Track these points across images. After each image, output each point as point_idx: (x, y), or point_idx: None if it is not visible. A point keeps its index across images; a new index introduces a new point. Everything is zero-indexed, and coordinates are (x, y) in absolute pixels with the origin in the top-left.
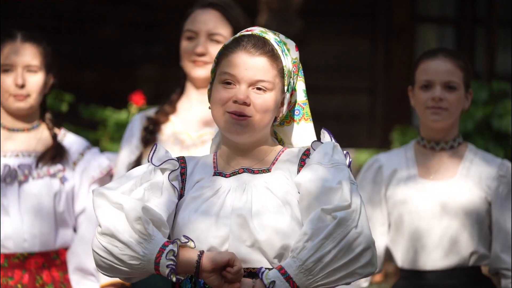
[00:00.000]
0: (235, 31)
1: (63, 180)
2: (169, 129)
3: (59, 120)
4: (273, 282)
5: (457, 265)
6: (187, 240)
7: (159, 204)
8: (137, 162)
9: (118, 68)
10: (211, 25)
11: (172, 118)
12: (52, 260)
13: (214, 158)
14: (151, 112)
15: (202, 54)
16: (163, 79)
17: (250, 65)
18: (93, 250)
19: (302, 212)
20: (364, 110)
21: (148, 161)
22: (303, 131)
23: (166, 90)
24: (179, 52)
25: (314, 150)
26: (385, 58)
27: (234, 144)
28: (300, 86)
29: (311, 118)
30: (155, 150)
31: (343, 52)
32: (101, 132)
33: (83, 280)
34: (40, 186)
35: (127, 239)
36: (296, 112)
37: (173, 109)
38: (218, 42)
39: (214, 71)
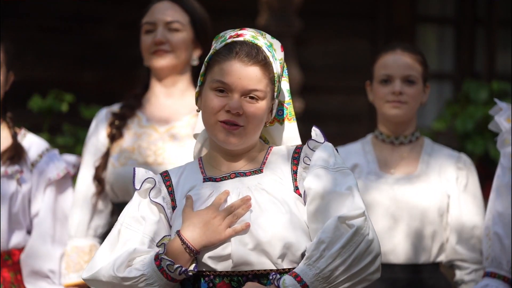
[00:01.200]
0: (192, 19)
1: (20, 181)
2: (136, 124)
3: (59, 120)
4: None
5: (421, 259)
6: (166, 236)
7: (140, 233)
8: (104, 159)
9: (118, 68)
10: (168, 15)
11: (138, 113)
12: (4, 260)
13: (200, 164)
14: (116, 107)
15: (161, 43)
16: None
17: (244, 74)
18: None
19: (310, 215)
20: (364, 110)
21: (133, 187)
22: (286, 131)
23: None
24: (142, 51)
25: (311, 149)
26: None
27: (223, 149)
28: (284, 86)
29: (294, 118)
30: (134, 174)
31: (343, 52)
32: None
33: (38, 282)
34: None
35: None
36: (279, 113)
37: (138, 104)
38: (176, 30)
39: (204, 75)
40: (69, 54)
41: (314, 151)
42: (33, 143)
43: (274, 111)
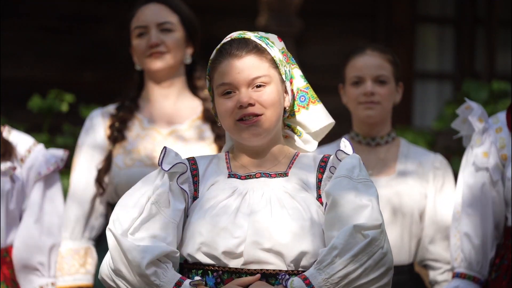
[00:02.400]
0: (181, 18)
1: (14, 178)
2: (137, 126)
3: (59, 120)
4: None
5: (402, 261)
6: (200, 279)
7: (167, 216)
8: (107, 161)
9: (118, 68)
10: (159, 16)
11: (138, 115)
12: (2, 257)
13: (226, 159)
14: (111, 108)
15: (156, 45)
16: None
17: (241, 67)
18: (101, 277)
19: (327, 222)
20: None
21: (158, 165)
22: (315, 114)
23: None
24: (132, 55)
25: (339, 159)
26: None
27: (249, 148)
28: (297, 72)
29: (318, 99)
30: (164, 153)
31: (343, 52)
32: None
33: (28, 276)
34: None
35: (136, 285)
36: (301, 99)
37: (136, 106)
38: (169, 30)
39: (210, 89)
40: (69, 54)
41: (341, 161)
42: (19, 139)
43: (290, 94)
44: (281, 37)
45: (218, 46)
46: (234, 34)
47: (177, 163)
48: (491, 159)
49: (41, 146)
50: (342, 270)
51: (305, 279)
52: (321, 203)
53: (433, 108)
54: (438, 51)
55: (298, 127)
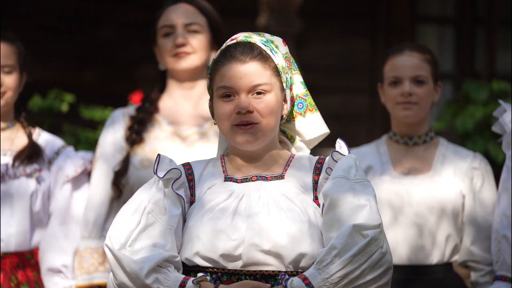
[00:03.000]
0: (208, 21)
1: (39, 179)
2: (157, 127)
3: (59, 120)
4: None
5: (435, 260)
6: (203, 274)
7: (164, 224)
8: (124, 164)
9: (118, 68)
10: (186, 17)
11: (157, 116)
12: (27, 260)
13: (222, 162)
14: (131, 109)
15: (182, 45)
16: None
17: (244, 72)
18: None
19: (325, 224)
20: (364, 110)
21: (154, 173)
22: (311, 122)
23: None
24: (156, 54)
25: (335, 160)
26: (385, 58)
27: (243, 152)
28: (297, 78)
29: (315, 108)
30: (158, 161)
31: (343, 52)
32: (101, 132)
33: (53, 278)
34: (16, 186)
35: None
36: (299, 106)
37: (156, 108)
38: (196, 32)
39: (210, 88)
40: (69, 54)
41: (337, 162)
42: (48, 141)
43: (289, 103)
44: (281, 37)
45: (223, 47)
46: (240, 37)
47: (171, 169)
48: None
49: (70, 149)
50: (341, 270)
51: (304, 279)
52: (318, 205)
53: (433, 108)
54: (438, 51)
55: (293, 134)
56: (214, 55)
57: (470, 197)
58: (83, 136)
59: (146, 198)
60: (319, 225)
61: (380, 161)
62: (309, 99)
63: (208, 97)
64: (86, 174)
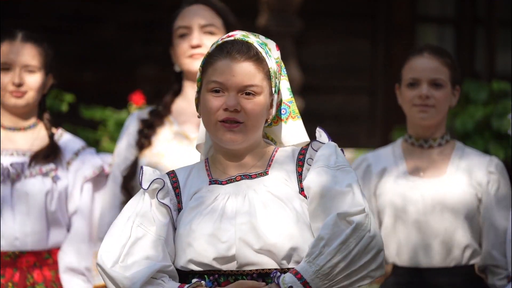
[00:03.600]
0: (225, 23)
1: (55, 179)
2: (167, 128)
3: (59, 120)
4: (290, 287)
5: (452, 263)
6: (197, 280)
7: (154, 235)
8: (133, 167)
9: (118, 68)
10: (203, 18)
11: (171, 118)
12: (44, 259)
13: (206, 166)
14: (146, 111)
15: (198, 46)
16: (163, 79)
17: (237, 71)
18: None
19: (311, 215)
20: (364, 110)
21: (139, 185)
22: (291, 130)
23: (166, 90)
24: (171, 55)
25: (315, 150)
26: (385, 58)
27: (227, 151)
28: (284, 84)
29: (298, 115)
30: (142, 173)
31: (343, 52)
32: (101, 132)
33: (74, 279)
34: (32, 185)
35: None
36: (282, 111)
37: (167, 111)
38: (211, 33)
39: (200, 80)
40: (69, 54)
41: (317, 151)
42: (69, 142)
43: (275, 108)
44: (281, 37)
45: (220, 42)
46: (237, 35)
47: (154, 179)
48: None
49: (90, 150)
50: (331, 260)
51: (296, 274)
52: (304, 196)
53: None
54: None
55: (273, 137)
56: None
57: (487, 201)
58: (83, 136)
59: (133, 212)
60: (307, 216)
61: (394, 163)
62: (293, 106)
63: None
64: (105, 176)
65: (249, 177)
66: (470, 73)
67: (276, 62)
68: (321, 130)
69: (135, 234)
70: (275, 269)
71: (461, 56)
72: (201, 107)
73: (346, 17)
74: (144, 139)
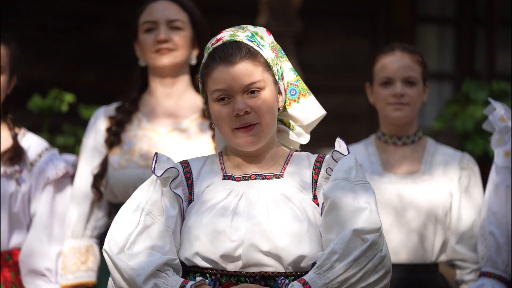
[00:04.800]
0: (191, 18)
1: (19, 181)
2: (136, 125)
3: (58, 120)
4: None
5: (423, 259)
6: (202, 279)
7: (162, 225)
8: (103, 166)
9: (118, 68)
10: (169, 13)
11: (138, 113)
12: (5, 260)
13: (220, 160)
14: (113, 107)
15: (165, 41)
16: None
17: (235, 74)
18: None
19: (325, 225)
20: (364, 110)
21: (152, 171)
22: (306, 108)
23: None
24: (136, 49)
25: (334, 160)
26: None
27: (244, 152)
28: (286, 65)
29: (309, 91)
30: (156, 159)
31: (343, 52)
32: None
33: (35, 281)
34: None
35: None
36: (292, 92)
37: (135, 108)
38: (178, 28)
39: (203, 92)
40: (69, 54)
41: (337, 162)
42: (32, 143)
43: (283, 94)
44: (281, 37)
45: (210, 50)
46: (225, 36)
47: (169, 168)
48: None
49: (53, 151)
50: (342, 275)
51: (304, 284)
52: (317, 204)
53: (433, 108)
54: (438, 51)
55: (290, 121)
56: (196, 53)
57: (457, 196)
58: (83, 136)
59: (144, 199)
60: (318, 225)
61: (369, 161)
62: (301, 84)
63: (191, 91)
64: (69, 178)
65: (264, 177)
66: (470, 73)
67: (272, 47)
68: (341, 141)
69: (144, 222)
70: (279, 272)
71: (461, 56)
72: (213, 118)
73: (346, 17)
74: (113, 137)
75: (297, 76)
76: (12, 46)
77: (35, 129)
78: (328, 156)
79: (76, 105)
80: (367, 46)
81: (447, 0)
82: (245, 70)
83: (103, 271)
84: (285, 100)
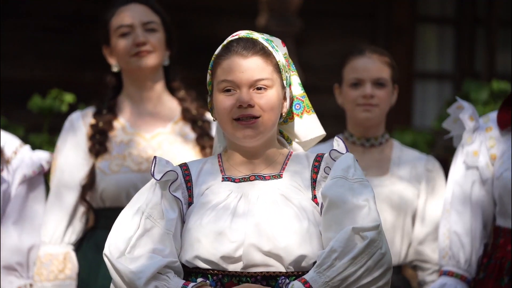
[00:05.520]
0: (162, 20)
1: (0, 180)
2: (120, 130)
3: (59, 120)
4: None
5: (397, 261)
6: (202, 280)
7: (162, 228)
8: (91, 176)
9: None
10: (143, 16)
11: (120, 119)
12: None
13: (219, 162)
14: (89, 113)
15: (144, 44)
16: None
17: (246, 67)
18: None
19: (324, 224)
20: None
21: (151, 175)
22: (308, 124)
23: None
24: (105, 54)
25: (333, 159)
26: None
27: (243, 149)
28: (295, 80)
29: (312, 110)
30: (155, 163)
31: (343, 52)
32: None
33: (8, 277)
34: None
35: None
36: (296, 107)
37: (115, 115)
38: (153, 30)
39: (210, 83)
40: (69, 54)
41: (336, 161)
42: (6, 140)
43: (288, 101)
44: (281, 37)
45: (225, 42)
46: (242, 33)
47: (168, 171)
48: (481, 158)
49: (27, 148)
50: (342, 273)
51: (305, 283)
52: (317, 203)
53: (433, 108)
54: (438, 51)
55: (289, 135)
56: (167, 53)
57: (423, 198)
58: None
59: (144, 202)
60: (317, 224)
61: None
62: (306, 101)
63: (166, 95)
64: (42, 174)
65: (263, 178)
66: (470, 73)
67: (285, 57)
68: (339, 140)
69: (144, 226)
70: (280, 272)
71: (461, 56)
72: (215, 109)
73: (346, 17)
74: (99, 146)
75: (304, 92)
76: None
77: (35, 129)
78: (326, 155)
79: (76, 105)
80: None
81: (447, 0)
82: (256, 65)
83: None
84: (288, 112)
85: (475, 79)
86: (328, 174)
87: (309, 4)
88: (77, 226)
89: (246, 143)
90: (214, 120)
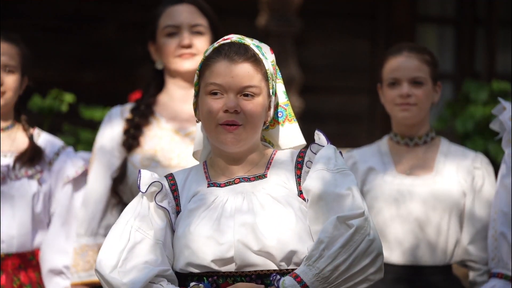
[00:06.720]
0: (211, 23)
1: (41, 181)
2: (155, 125)
3: (58, 120)
4: None
5: (438, 260)
6: (195, 283)
7: (152, 239)
8: (122, 169)
9: (118, 68)
10: (191, 18)
11: (157, 115)
12: (28, 260)
13: (204, 169)
14: (129, 108)
15: (188, 46)
16: None
17: (236, 72)
18: None
19: (311, 218)
20: (364, 110)
21: (138, 188)
22: (288, 132)
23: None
24: (151, 51)
25: (314, 152)
26: (384, 59)
27: (226, 154)
28: (280, 88)
29: (295, 118)
30: (140, 176)
31: (343, 52)
32: (99, 129)
33: (54, 279)
34: (18, 188)
35: None
36: (279, 114)
37: (151, 112)
38: (200, 33)
39: (198, 84)
40: (69, 54)
41: (316, 154)
42: (48, 142)
43: (272, 110)
44: (281, 37)
45: (216, 45)
46: (234, 37)
47: (152, 182)
48: None
49: (69, 149)
50: (331, 263)
51: (296, 277)
52: (303, 199)
53: (433, 108)
54: (438, 51)
55: (270, 140)
56: None
57: (470, 196)
58: (83, 136)
59: (132, 216)
60: (305, 219)
61: (382, 162)
62: (289, 109)
63: None
64: (86, 175)
65: (248, 180)
66: (470, 73)
67: (272, 65)
68: (319, 133)
69: (134, 238)
70: (274, 270)
71: (461, 56)
72: (200, 111)
73: (346, 17)
74: (132, 140)
75: (287, 100)
76: (22, 46)
77: None
78: (308, 150)
79: (76, 105)
80: (367, 46)
81: (447, 0)
82: (246, 71)
83: None
84: (271, 119)
85: (475, 79)
86: (309, 168)
87: (309, 4)
88: (112, 220)
89: (228, 148)
90: (197, 122)
